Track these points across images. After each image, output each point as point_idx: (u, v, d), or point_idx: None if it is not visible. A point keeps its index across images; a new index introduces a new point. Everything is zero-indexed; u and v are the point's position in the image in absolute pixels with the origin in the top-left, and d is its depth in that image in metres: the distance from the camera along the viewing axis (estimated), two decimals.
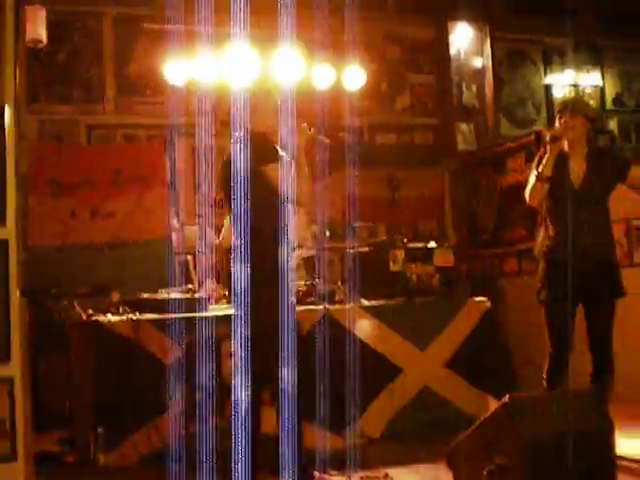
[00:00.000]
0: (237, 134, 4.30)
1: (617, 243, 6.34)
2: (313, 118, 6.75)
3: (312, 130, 4.45)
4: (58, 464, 5.00)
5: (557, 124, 4.84)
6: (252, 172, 4.07)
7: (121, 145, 7.65)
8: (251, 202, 4.03)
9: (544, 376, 4.78)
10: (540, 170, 4.69)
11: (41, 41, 5.92)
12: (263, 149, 4.26)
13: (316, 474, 4.37)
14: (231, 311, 5.06)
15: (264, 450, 4.15)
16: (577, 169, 4.76)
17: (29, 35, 5.80)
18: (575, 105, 4.87)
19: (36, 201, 7.14)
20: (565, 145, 4.77)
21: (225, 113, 5.35)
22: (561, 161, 4.74)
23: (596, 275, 4.65)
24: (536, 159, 4.88)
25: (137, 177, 7.41)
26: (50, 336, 5.63)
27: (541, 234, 4.91)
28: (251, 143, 4.17)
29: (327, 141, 4.56)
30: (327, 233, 6.26)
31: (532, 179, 4.79)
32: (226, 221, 6.16)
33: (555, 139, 4.69)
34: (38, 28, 5.77)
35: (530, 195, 4.82)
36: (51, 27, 6.95)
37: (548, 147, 4.69)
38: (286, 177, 4.23)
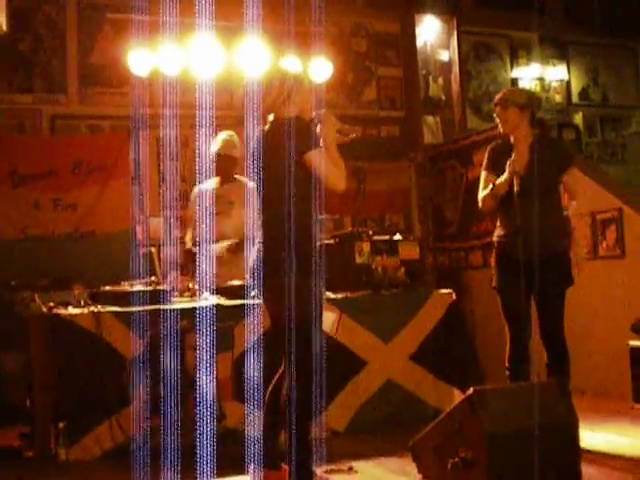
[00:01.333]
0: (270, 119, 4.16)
1: (583, 237, 6.44)
2: None
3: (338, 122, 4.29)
4: (18, 459, 4.93)
5: (495, 120, 4.98)
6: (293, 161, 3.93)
7: (83, 136, 7.55)
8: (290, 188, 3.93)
9: (507, 364, 4.84)
10: (495, 186, 4.81)
11: (1, 28, 5.82)
12: (304, 135, 4.01)
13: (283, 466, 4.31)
14: (196, 303, 5.04)
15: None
16: (521, 159, 4.80)
17: None
18: (504, 97, 4.93)
19: None
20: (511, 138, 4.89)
21: (189, 104, 5.29)
22: (508, 153, 4.82)
23: (545, 263, 4.66)
24: (485, 159, 5.02)
25: (99, 168, 7.31)
26: (10, 329, 5.55)
27: (497, 224, 5.03)
28: (292, 129, 4.00)
29: (354, 135, 4.40)
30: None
31: (483, 189, 4.93)
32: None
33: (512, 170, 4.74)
34: None
35: (483, 206, 5.01)
36: (13, 15, 6.87)
37: (507, 168, 4.75)
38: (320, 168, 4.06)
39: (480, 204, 5.00)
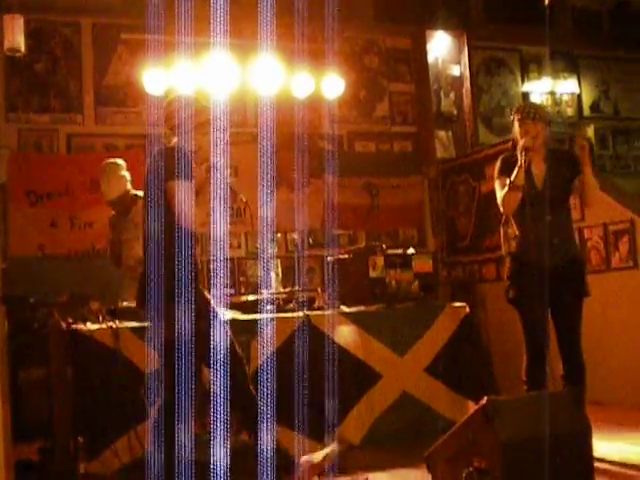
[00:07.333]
0: (157, 146, 4.27)
1: (594, 248, 6.47)
2: (292, 126, 6.80)
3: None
4: (39, 473, 4.97)
5: (517, 131, 4.85)
6: (160, 186, 4.03)
7: (99, 154, 7.62)
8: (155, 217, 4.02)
9: (523, 377, 4.83)
10: (513, 179, 4.71)
11: (19, 50, 5.91)
12: (174, 164, 4.07)
13: None
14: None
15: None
16: (538, 172, 4.82)
17: (7, 44, 5.79)
18: (537, 113, 4.85)
19: (15, 210, 7.13)
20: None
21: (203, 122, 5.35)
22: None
23: (562, 274, 4.69)
24: (498, 168, 4.94)
25: None
26: (29, 345, 5.60)
27: (508, 233, 4.99)
28: (166, 156, 4.10)
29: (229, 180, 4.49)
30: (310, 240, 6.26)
31: (501, 190, 4.83)
32: None
33: (527, 150, 4.70)
34: (16, 37, 5.75)
35: (505, 205, 4.84)
36: (30, 36, 6.96)
37: (520, 157, 4.70)
38: (187, 198, 4.07)
39: (502, 207, 4.86)
